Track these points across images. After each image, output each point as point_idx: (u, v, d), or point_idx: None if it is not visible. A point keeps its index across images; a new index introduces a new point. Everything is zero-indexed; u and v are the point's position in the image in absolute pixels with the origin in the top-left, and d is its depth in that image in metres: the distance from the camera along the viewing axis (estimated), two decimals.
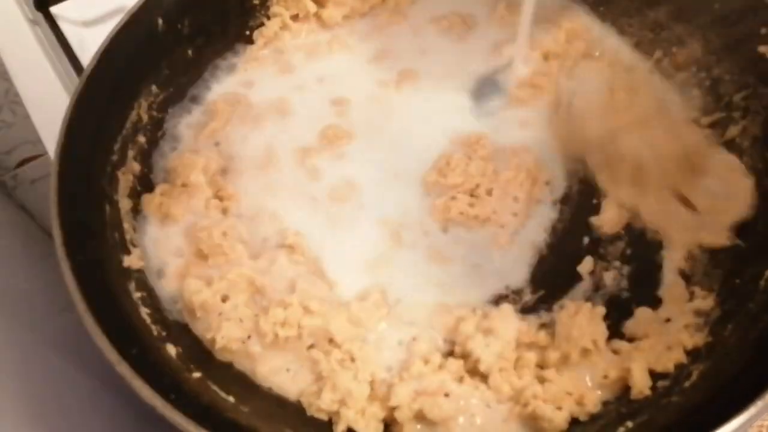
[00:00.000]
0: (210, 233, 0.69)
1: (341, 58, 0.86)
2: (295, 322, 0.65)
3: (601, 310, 0.65)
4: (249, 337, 0.66)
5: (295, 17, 0.87)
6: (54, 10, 0.90)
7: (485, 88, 0.82)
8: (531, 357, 0.63)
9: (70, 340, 0.81)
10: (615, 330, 0.66)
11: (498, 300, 0.69)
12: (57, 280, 0.60)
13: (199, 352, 0.66)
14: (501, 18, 0.86)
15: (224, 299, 0.67)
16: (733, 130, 0.75)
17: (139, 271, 0.69)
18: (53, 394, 0.78)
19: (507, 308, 0.66)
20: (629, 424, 0.58)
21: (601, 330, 0.64)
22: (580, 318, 0.63)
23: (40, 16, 0.90)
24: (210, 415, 0.57)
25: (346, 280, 0.70)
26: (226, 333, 0.65)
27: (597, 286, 0.70)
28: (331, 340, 0.65)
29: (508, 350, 0.63)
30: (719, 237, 0.68)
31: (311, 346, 0.65)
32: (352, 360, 0.64)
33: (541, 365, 0.63)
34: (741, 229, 0.70)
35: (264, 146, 0.79)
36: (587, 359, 0.63)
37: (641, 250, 0.71)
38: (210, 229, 0.70)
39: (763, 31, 0.71)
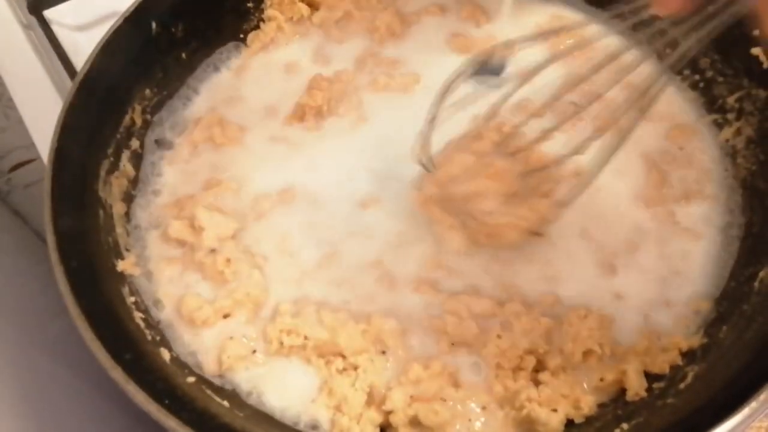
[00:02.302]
0: (214, 260, 0.69)
1: (335, 62, 0.86)
2: (301, 332, 0.65)
3: (611, 317, 0.65)
4: (254, 352, 0.66)
5: (289, 20, 0.87)
6: (47, 14, 0.90)
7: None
8: (530, 360, 0.63)
9: (65, 345, 0.80)
10: None
11: (503, 303, 0.68)
12: (51, 285, 0.59)
13: None
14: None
15: (226, 316, 0.67)
16: (727, 132, 0.75)
17: (133, 275, 0.68)
18: (48, 399, 0.77)
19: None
20: (625, 426, 0.57)
21: (609, 336, 0.64)
22: (590, 321, 0.63)
23: (33, 20, 0.90)
24: (204, 420, 0.56)
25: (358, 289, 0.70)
26: (232, 352, 0.65)
27: None
28: (338, 353, 0.65)
29: (513, 352, 0.63)
30: None
31: (317, 356, 0.65)
32: (354, 369, 0.64)
33: (537, 368, 0.63)
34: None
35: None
36: (586, 362, 0.63)
37: None
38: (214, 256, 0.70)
39: (756, 33, 0.71)
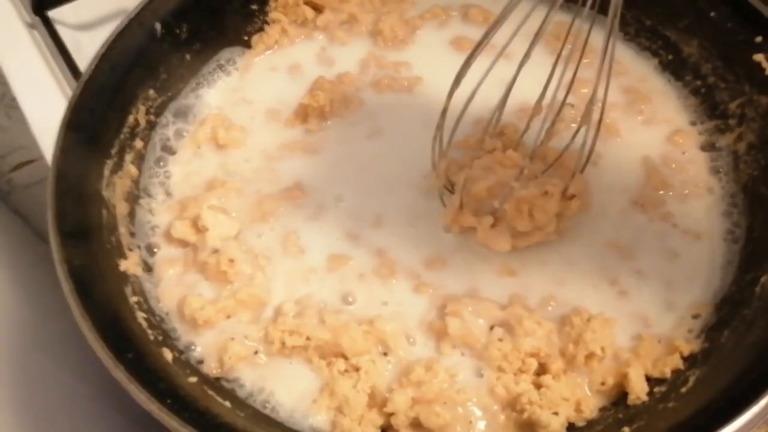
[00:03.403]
0: (217, 260, 0.69)
1: (338, 64, 0.86)
2: (303, 333, 0.65)
3: (612, 321, 0.65)
4: (256, 352, 0.66)
5: (293, 23, 0.87)
6: (51, 14, 0.90)
7: None
8: (532, 363, 0.63)
9: (65, 345, 0.80)
10: None
11: (505, 306, 0.68)
12: (51, 284, 0.59)
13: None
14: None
15: (228, 316, 0.67)
16: (728, 138, 0.75)
17: (136, 275, 0.68)
18: (48, 399, 0.77)
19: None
20: (626, 429, 0.58)
21: (611, 339, 0.64)
22: (593, 324, 0.64)
23: (37, 19, 0.89)
24: (206, 420, 0.56)
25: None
26: (234, 353, 0.65)
27: None
28: (340, 355, 0.65)
29: (515, 355, 0.63)
30: None
31: (319, 357, 0.65)
32: (356, 370, 0.64)
33: (539, 371, 0.63)
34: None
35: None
36: (588, 366, 0.63)
37: None
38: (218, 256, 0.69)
39: (758, 39, 0.71)
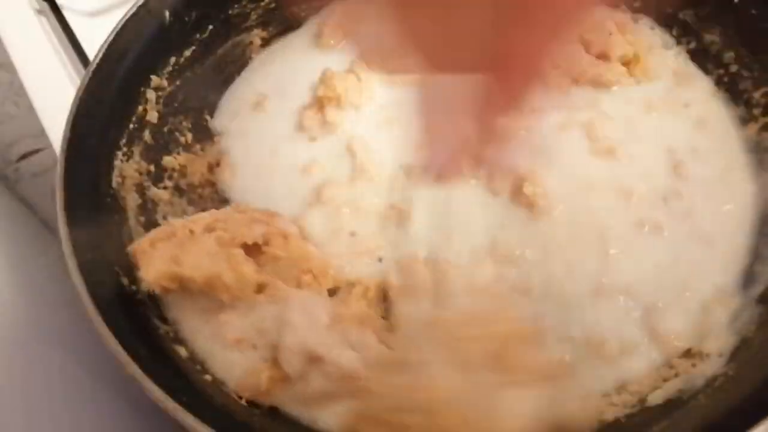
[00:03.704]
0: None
1: (345, 54, 0.83)
2: None
3: None
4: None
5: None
6: (60, 0, 0.89)
7: None
8: None
9: (71, 335, 0.80)
10: None
11: None
12: (58, 274, 0.58)
13: None
14: None
15: None
16: (752, 128, 0.74)
17: None
18: (53, 389, 0.77)
19: None
20: (654, 428, 0.56)
21: None
22: None
23: (46, 6, 0.88)
24: (222, 418, 0.55)
25: None
26: None
27: None
28: None
29: None
30: None
31: None
32: None
33: None
34: None
35: None
36: None
37: None
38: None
39: None
